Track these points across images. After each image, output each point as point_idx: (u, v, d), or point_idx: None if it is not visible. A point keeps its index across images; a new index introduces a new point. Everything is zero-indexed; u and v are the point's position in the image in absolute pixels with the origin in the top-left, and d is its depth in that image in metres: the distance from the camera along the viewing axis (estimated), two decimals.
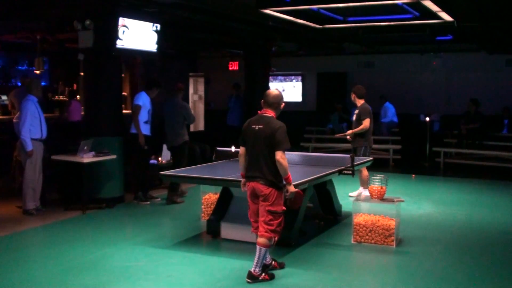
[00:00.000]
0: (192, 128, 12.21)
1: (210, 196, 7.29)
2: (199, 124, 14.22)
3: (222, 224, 6.38)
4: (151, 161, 9.16)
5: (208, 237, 6.49)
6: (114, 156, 8.00)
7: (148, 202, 8.40)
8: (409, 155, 13.29)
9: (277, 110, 5.11)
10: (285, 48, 14.38)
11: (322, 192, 7.08)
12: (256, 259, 4.97)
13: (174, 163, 8.60)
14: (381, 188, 6.23)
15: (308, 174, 6.24)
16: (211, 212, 6.84)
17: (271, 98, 5.07)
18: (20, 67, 14.93)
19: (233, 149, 7.42)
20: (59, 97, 13.66)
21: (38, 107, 7.54)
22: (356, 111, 8.60)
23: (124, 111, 9.75)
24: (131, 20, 8.24)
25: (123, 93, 11.45)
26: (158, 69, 12.76)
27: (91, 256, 5.80)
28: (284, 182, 4.96)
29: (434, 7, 7.83)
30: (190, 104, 13.36)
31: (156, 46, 8.84)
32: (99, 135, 8.08)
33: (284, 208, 5.02)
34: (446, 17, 8.65)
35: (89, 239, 6.43)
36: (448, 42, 12.64)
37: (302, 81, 17.08)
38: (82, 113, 11.26)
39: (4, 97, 12.83)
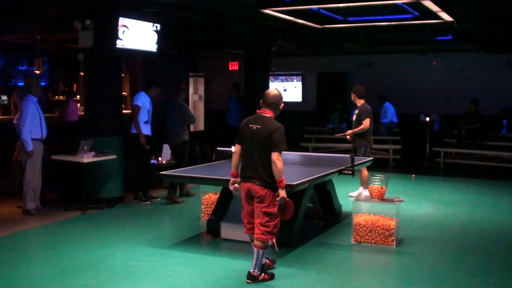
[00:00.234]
0: (192, 128, 12.20)
1: (210, 196, 7.29)
2: (199, 124, 14.20)
3: (222, 224, 6.38)
4: (151, 161, 9.17)
5: (208, 237, 6.49)
6: (114, 156, 8.00)
7: (148, 202, 8.40)
8: (409, 155, 13.28)
9: (276, 111, 5.05)
10: (285, 48, 14.38)
11: (322, 192, 7.08)
12: (254, 261, 4.96)
13: (176, 163, 8.62)
14: (381, 188, 6.23)
15: (308, 174, 6.24)
16: (211, 212, 6.85)
17: (270, 98, 5.02)
18: (20, 67, 14.92)
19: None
20: (59, 97, 13.65)
21: (38, 107, 7.55)
22: (356, 111, 8.61)
23: (124, 111, 9.74)
24: (131, 20, 8.23)
25: (123, 93, 11.44)
26: (158, 69, 12.74)
27: (91, 256, 5.80)
28: (277, 185, 4.81)
29: (434, 7, 7.83)
30: (190, 104, 13.36)
31: (156, 46, 8.84)
32: (99, 135, 8.08)
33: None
34: (446, 17, 8.65)
35: (89, 239, 6.42)
36: (448, 42, 12.64)
37: (302, 81, 17.05)
38: (80, 113, 11.27)
39: (4, 97, 12.84)
